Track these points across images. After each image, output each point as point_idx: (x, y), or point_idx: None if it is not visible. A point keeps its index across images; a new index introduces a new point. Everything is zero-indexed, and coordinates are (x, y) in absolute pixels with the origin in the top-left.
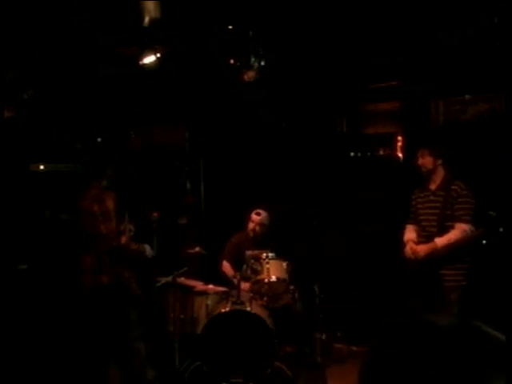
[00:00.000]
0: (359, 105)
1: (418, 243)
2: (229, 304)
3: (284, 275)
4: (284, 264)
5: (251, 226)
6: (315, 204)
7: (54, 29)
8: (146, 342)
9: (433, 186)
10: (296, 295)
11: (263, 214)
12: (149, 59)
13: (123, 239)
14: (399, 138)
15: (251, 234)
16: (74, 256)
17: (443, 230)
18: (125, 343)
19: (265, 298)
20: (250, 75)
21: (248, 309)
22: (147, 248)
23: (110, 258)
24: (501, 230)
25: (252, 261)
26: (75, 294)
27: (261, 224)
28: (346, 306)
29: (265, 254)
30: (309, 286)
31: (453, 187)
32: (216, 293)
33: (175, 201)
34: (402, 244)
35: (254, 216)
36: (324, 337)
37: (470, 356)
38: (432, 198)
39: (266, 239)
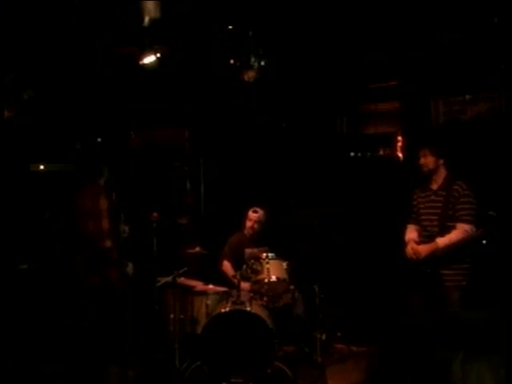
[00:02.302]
0: (359, 105)
1: (419, 243)
2: (229, 304)
3: (284, 275)
4: (284, 264)
5: (249, 223)
6: (315, 204)
7: (54, 29)
8: (145, 342)
9: (434, 186)
10: (296, 295)
11: (260, 211)
12: (149, 59)
13: (108, 243)
14: (399, 138)
15: (250, 232)
16: (73, 256)
17: (444, 230)
18: (124, 343)
19: (265, 298)
20: (250, 75)
21: (248, 309)
22: (129, 265)
23: (100, 258)
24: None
25: (252, 261)
26: (74, 294)
27: (258, 221)
28: (346, 305)
29: (265, 254)
30: (309, 286)
31: (454, 187)
32: (216, 293)
33: (175, 201)
34: (402, 244)
35: (251, 214)
36: (324, 337)
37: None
38: (433, 197)
39: (264, 237)
